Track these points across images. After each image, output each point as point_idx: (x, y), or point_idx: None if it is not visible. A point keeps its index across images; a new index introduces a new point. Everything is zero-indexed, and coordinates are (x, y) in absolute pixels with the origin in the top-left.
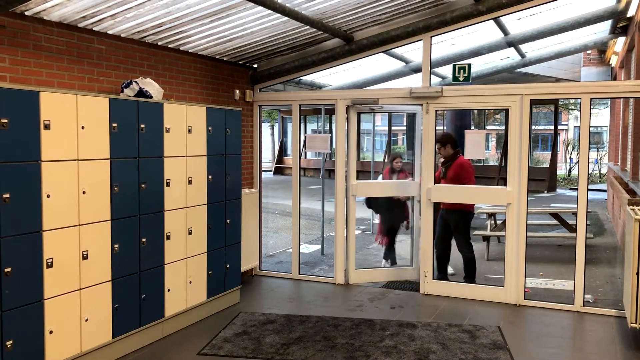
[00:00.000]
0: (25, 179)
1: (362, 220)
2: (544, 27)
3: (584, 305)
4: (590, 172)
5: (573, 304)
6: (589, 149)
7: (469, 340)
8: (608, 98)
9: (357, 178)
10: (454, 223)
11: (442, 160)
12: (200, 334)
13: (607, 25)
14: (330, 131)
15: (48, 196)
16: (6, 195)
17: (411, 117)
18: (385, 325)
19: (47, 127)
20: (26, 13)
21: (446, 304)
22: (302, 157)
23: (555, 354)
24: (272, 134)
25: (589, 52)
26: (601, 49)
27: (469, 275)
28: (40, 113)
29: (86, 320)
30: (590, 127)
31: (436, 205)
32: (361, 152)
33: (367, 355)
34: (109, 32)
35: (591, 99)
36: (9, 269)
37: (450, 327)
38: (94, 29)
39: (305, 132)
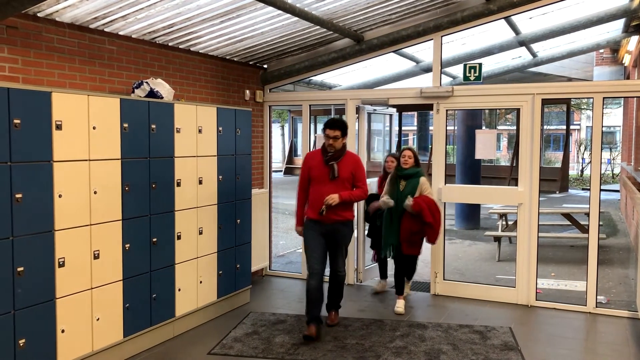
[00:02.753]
0: (37, 179)
1: None
2: (556, 26)
3: (596, 307)
4: (602, 172)
5: (585, 305)
6: (602, 149)
7: (480, 341)
8: (621, 97)
9: (368, 177)
10: (342, 237)
11: (329, 154)
12: (211, 333)
13: (620, 24)
14: None
15: (60, 196)
16: (18, 195)
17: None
18: (396, 326)
19: (58, 127)
20: (39, 14)
21: (457, 304)
22: None
23: (567, 355)
24: (283, 134)
25: (601, 51)
26: (614, 48)
27: (338, 298)
28: (52, 113)
29: (97, 319)
30: (602, 126)
31: (317, 223)
32: (371, 152)
33: (377, 355)
34: (120, 33)
35: (604, 98)
36: (21, 269)
37: (461, 327)
38: (105, 30)
39: (315, 132)
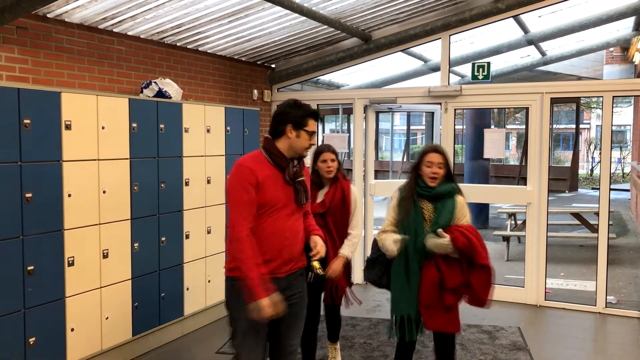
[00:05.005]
0: (46, 178)
1: (381, 220)
2: (565, 25)
3: (606, 307)
4: (612, 171)
5: (595, 305)
6: (612, 148)
7: (489, 341)
8: (631, 96)
9: (376, 177)
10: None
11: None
12: (219, 332)
13: (630, 22)
14: (349, 131)
15: (69, 195)
16: (28, 195)
17: (430, 115)
18: None
19: (68, 127)
20: (48, 15)
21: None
22: None
23: (577, 355)
24: None
25: (611, 49)
26: (624, 46)
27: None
28: (61, 113)
29: (106, 318)
30: (612, 125)
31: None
32: (380, 152)
33: (385, 355)
34: (129, 33)
35: (613, 97)
36: (31, 267)
37: (470, 327)
38: (114, 30)
39: (323, 131)
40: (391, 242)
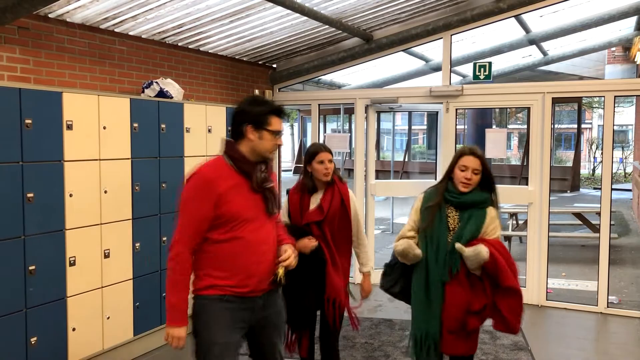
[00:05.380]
0: (48, 178)
1: (382, 220)
2: (567, 25)
3: (607, 307)
4: (614, 171)
5: (597, 305)
6: (613, 148)
7: (490, 341)
8: (633, 96)
9: (377, 177)
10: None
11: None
12: None
13: (632, 21)
14: (350, 131)
15: (70, 195)
16: (30, 195)
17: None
18: (405, 326)
19: (69, 127)
20: (50, 15)
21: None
22: None
23: (578, 355)
24: (292, 134)
25: (613, 49)
26: (626, 46)
27: None
28: (63, 114)
29: (108, 318)
30: (614, 125)
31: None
32: (381, 152)
33: (387, 355)
34: (130, 33)
35: (615, 96)
36: (32, 267)
37: None
38: (116, 30)
39: (324, 131)
40: (407, 248)
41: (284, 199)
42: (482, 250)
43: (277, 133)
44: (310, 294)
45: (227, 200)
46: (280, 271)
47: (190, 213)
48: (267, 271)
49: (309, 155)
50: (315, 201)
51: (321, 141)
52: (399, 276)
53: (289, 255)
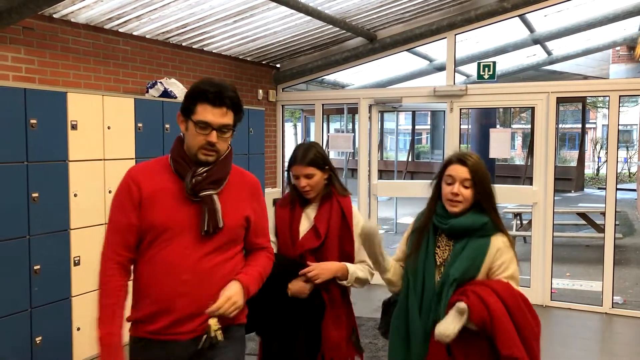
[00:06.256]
0: (53, 178)
1: (386, 219)
2: (571, 24)
3: (612, 307)
4: (619, 171)
5: (601, 306)
6: (618, 148)
7: None
8: (638, 96)
9: (381, 177)
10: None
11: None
12: None
13: (637, 21)
14: (353, 130)
15: (75, 195)
16: (35, 195)
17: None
18: None
19: (74, 127)
20: (54, 16)
21: None
22: None
23: (583, 356)
24: (295, 134)
25: (617, 48)
26: (631, 45)
27: None
28: (67, 113)
29: None
30: (619, 125)
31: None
32: (384, 152)
33: None
34: (134, 33)
35: (620, 96)
36: (37, 267)
37: None
38: (120, 30)
39: (328, 131)
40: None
41: (270, 212)
42: (449, 329)
43: (204, 126)
44: (300, 347)
45: (149, 206)
46: (212, 323)
47: (114, 221)
48: (194, 309)
49: (289, 163)
50: (308, 218)
51: (324, 142)
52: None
53: (220, 305)
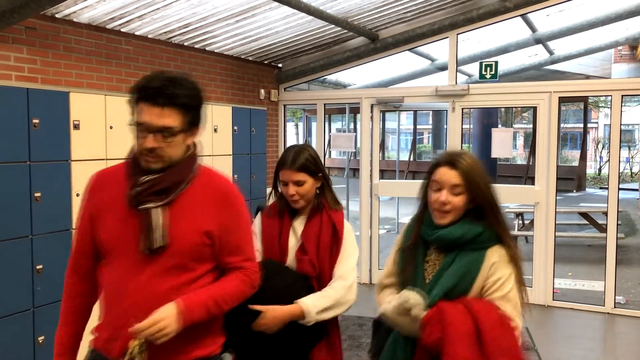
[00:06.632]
0: (55, 178)
1: (387, 219)
2: (573, 24)
3: (615, 307)
4: (621, 170)
5: (604, 306)
6: (620, 147)
7: None
8: None
9: (383, 177)
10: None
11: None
12: None
13: (639, 20)
14: (355, 130)
15: (77, 195)
16: (37, 194)
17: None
18: None
19: (76, 127)
20: (57, 15)
21: None
22: (327, 156)
23: (585, 356)
24: (297, 134)
25: (620, 48)
26: (633, 45)
27: None
28: (70, 113)
29: None
30: (621, 124)
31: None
32: (386, 152)
33: None
34: (137, 33)
35: (622, 96)
36: (40, 266)
37: None
38: (122, 30)
39: (329, 131)
40: (388, 305)
41: (255, 222)
42: (416, 315)
43: (142, 127)
44: None
45: (98, 220)
46: (134, 345)
47: (77, 227)
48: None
49: (276, 167)
50: (295, 232)
51: (326, 142)
52: (387, 337)
53: (143, 326)
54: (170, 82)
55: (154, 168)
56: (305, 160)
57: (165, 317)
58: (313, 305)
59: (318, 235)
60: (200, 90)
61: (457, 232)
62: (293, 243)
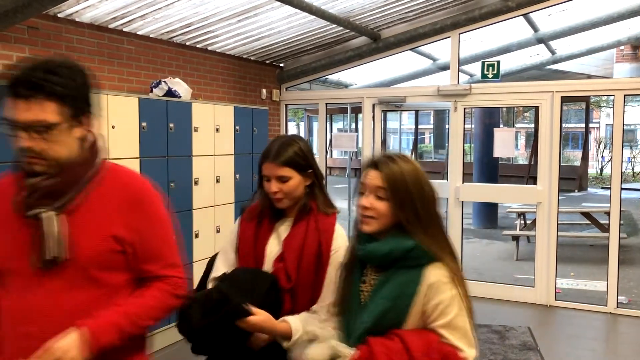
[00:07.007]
0: None
1: None
2: (575, 23)
3: (617, 307)
4: (623, 170)
5: (606, 306)
6: (623, 147)
7: (499, 341)
8: None
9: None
10: None
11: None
12: None
13: None
14: (356, 130)
15: None
16: None
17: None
18: None
19: None
20: (59, 15)
21: (475, 304)
22: (328, 156)
23: (588, 356)
24: (298, 133)
25: (622, 48)
26: (635, 44)
27: None
28: None
29: None
30: (623, 124)
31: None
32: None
33: None
34: (139, 32)
35: (625, 96)
36: None
37: (479, 327)
38: (124, 29)
39: (331, 131)
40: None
41: (234, 225)
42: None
43: (12, 125)
44: None
45: None
46: None
47: None
48: None
49: (259, 160)
50: (278, 237)
51: (328, 141)
52: None
53: (36, 357)
54: (37, 69)
55: (38, 170)
56: (293, 153)
57: (62, 347)
58: (304, 332)
59: (302, 243)
60: (82, 73)
61: (385, 247)
62: (275, 249)
